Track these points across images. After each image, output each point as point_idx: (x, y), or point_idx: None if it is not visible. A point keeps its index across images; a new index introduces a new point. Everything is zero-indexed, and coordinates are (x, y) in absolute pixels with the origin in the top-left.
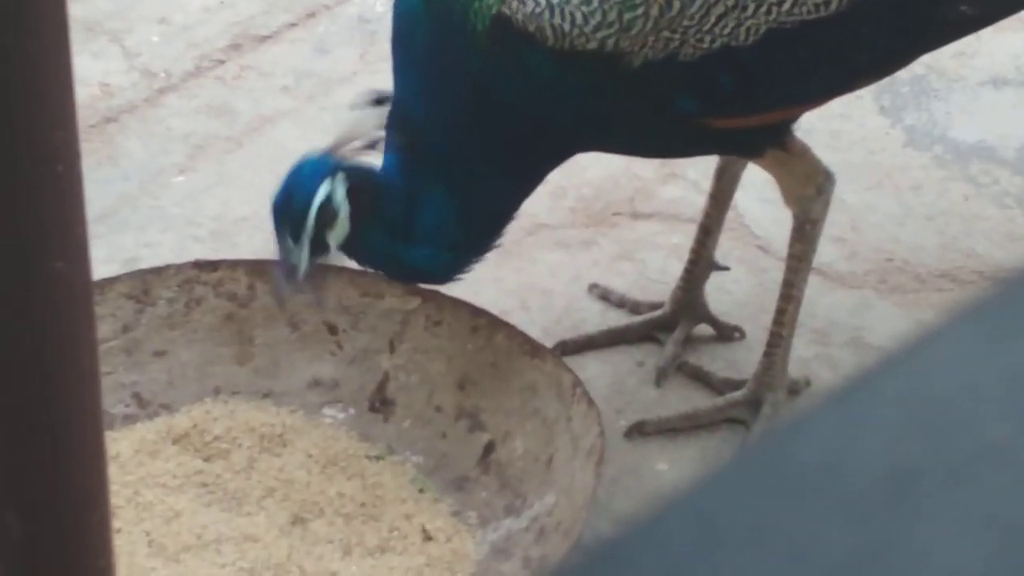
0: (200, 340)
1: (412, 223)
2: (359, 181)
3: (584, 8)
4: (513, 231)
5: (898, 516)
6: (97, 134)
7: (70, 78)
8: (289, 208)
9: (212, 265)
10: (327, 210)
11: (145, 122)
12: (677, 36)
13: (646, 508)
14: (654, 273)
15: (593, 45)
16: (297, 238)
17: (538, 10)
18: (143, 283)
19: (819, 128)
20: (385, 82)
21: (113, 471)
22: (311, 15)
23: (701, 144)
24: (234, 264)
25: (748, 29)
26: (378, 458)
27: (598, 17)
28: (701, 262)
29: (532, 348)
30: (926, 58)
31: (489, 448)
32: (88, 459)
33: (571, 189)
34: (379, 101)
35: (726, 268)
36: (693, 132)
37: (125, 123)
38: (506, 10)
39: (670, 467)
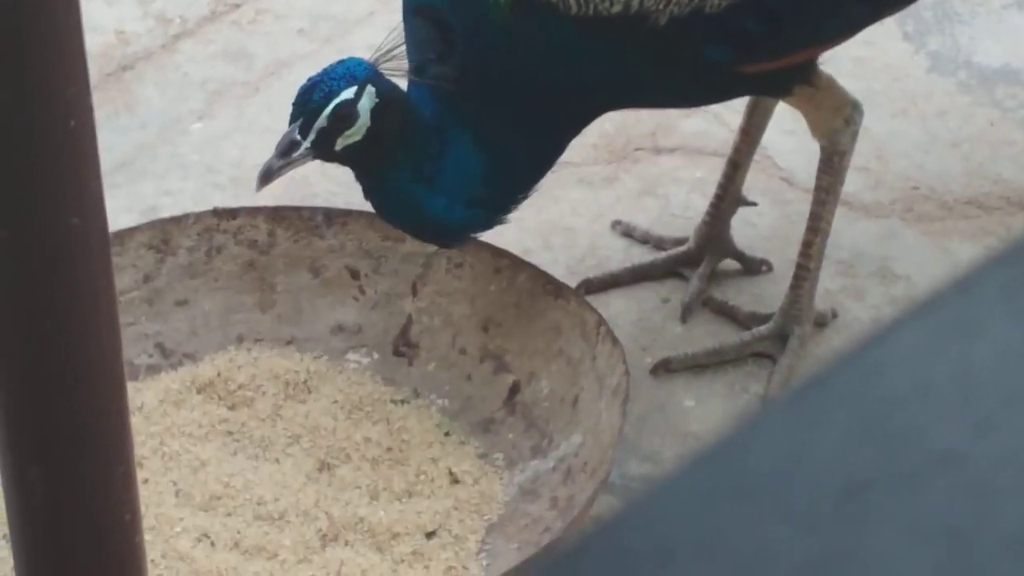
0: (222, 288)
1: (437, 165)
2: (392, 101)
3: None
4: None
5: (849, 525)
6: (114, 82)
7: (80, 32)
8: (311, 95)
9: (231, 213)
10: (346, 114)
11: (161, 69)
12: None
13: (590, 527)
14: (677, 208)
15: (618, 8)
16: (308, 126)
17: None
18: (163, 232)
19: (842, 56)
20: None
21: (138, 422)
22: None
23: (731, 90)
24: (254, 211)
25: None
26: (403, 402)
27: None
28: (728, 197)
29: (555, 288)
30: None
31: (514, 389)
32: (111, 412)
33: (592, 125)
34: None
35: (754, 204)
36: (723, 80)
37: (141, 70)
38: None
39: (697, 403)
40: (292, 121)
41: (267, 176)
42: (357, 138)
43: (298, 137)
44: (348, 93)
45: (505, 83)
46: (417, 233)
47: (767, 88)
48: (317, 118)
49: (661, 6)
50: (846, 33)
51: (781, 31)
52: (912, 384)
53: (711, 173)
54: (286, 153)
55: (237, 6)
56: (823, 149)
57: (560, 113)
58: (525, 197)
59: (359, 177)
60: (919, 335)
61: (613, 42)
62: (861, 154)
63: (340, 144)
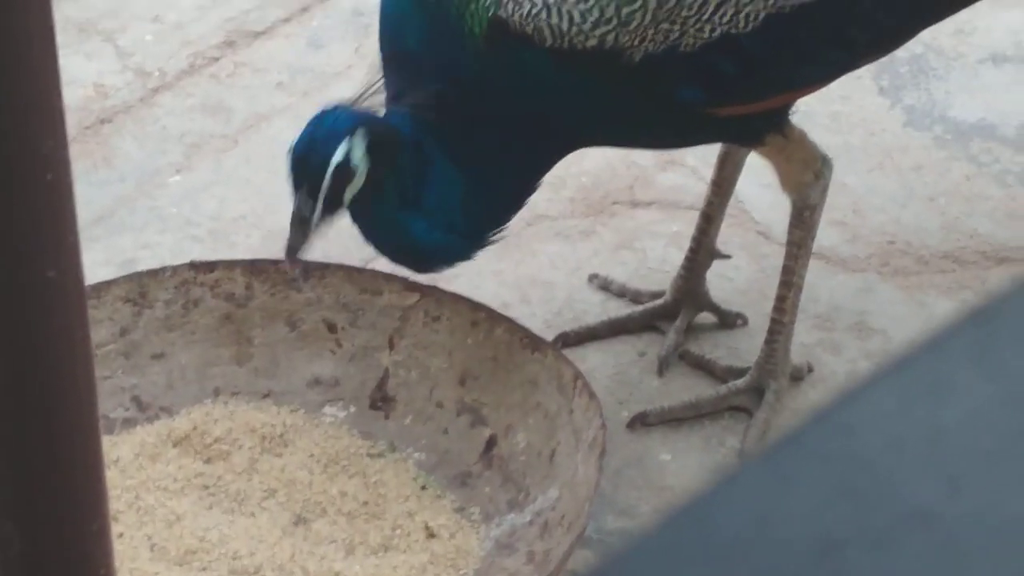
0: (199, 341)
1: (422, 187)
2: (380, 135)
3: (581, 6)
4: (512, 223)
5: None
6: (92, 135)
7: (58, 85)
8: (307, 163)
9: (209, 266)
10: (345, 169)
11: (140, 122)
12: (677, 27)
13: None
14: (654, 262)
15: (593, 42)
16: (313, 194)
17: (535, 11)
18: (140, 285)
19: (819, 110)
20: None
21: (113, 476)
22: (304, 9)
23: (704, 133)
24: (231, 264)
25: (747, 15)
26: (380, 456)
27: (596, 14)
28: (703, 250)
29: (532, 341)
30: (924, 36)
31: (491, 443)
32: (86, 466)
33: (570, 179)
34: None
35: (728, 256)
36: (696, 121)
37: (120, 124)
38: (502, 13)
39: (673, 457)
40: (295, 190)
41: (294, 254)
42: (360, 183)
43: (306, 212)
44: (340, 153)
45: (480, 115)
46: (397, 256)
47: (740, 135)
48: (320, 186)
49: (636, 43)
50: (821, 80)
51: (755, 74)
52: (885, 442)
53: (688, 227)
54: (303, 229)
55: (216, 59)
56: (793, 203)
57: (533, 146)
58: (501, 231)
59: (352, 202)
60: (892, 394)
61: (587, 76)
62: (838, 208)
63: (347, 197)
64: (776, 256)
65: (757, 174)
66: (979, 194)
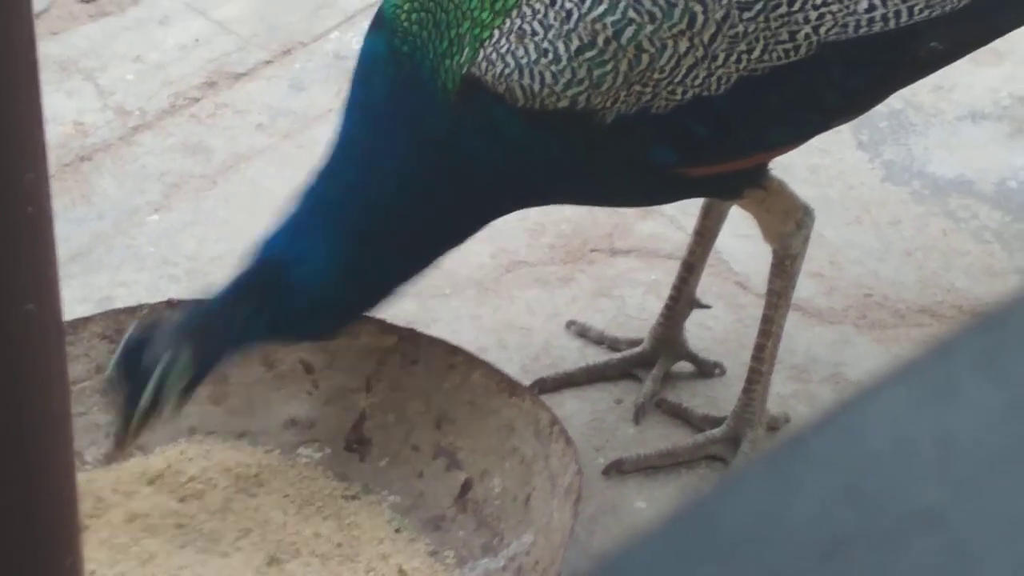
0: None
1: (289, 294)
2: (202, 327)
3: (553, 67)
4: (491, 268)
5: None
6: (71, 173)
7: (40, 119)
8: (126, 380)
9: (185, 304)
10: (167, 379)
11: (120, 161)
12: (648, 89)
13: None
14: (633, 309)
15: (564, 103)
16: (134, 399)
17: (508, 71)
18: (117, 323)
19: (798, 164)
20: None
21: (87, 512)
22: (287, 52)
23: (679, 191)
24: None
25: (719, 78)
26: (354, 498)
27: (568, 75)
28: (683, 299)
29: (509, 386)
30: (904, 93)
31: (466, 487)
32: (60, 502)
33: (549, 226)
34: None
35: (707, 306)
36: (670, 181)
37: (99, 162)
38: (475, 70)
39: (649, 505)
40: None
41: (121, 446)
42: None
43: (131, 408)
44: (157, 374)
45: (434, 169)
46: (291, 337)
47: (717, 191)
48: (140, 395)
49: (608, 104)
50: (794, 141)
51: (728, 135)
52: (891, 445)
53: (666, 275)
54: (126, 424)
55: (196, 100)
56: (775, 253)
57: (492, 202)
58: (401, 287)
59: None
60: (898, 398)
61: (558, 136)
62: (815, 260)
63: (171, 394)
64: (754, 306)
65: (735, 225)
66: (956, 249)
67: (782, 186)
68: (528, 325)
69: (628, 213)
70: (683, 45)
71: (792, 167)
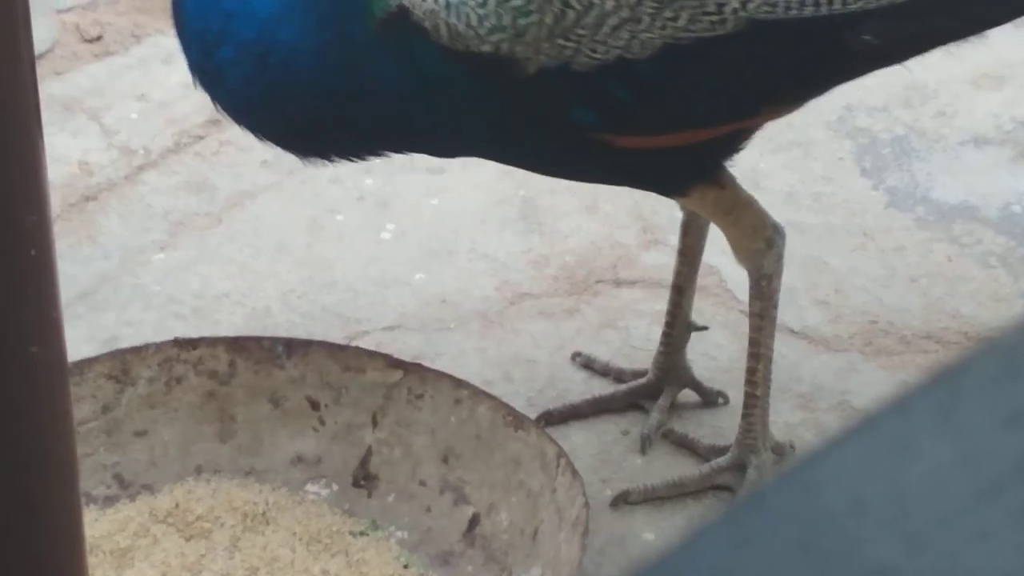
0: (181, 419)
1: None
2: None
3: (480, 11)
4: (495, 301)
5: None
6: (76, 213)
7: (42, 162)
8: None
9: (192, 343)
10: None
11: (125, 200)
12: (572, 44)
13: None
14: (638, 340)
15: (487, 48)
16: None
17: (435, 7)
18: (123, 363)
19: (801, 191)
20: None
21: (95, 553)
22: None
23: (609, 167)
24: (214, 341)
25: (643, 42)
26: (362, 534)
27: (492, 20)
28: (678, 324)
29: (515, 420)
30: (906, 118)
31: (474, 521)
32: (67, 543)
33: (553, 257)
34: None
35: (704, 328)
36: (596, 150)
37: (104, 201)
38: (406, 2)
39: (657, 536)
40: None
41: None
42: None
43: None
44: None
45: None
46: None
47: (656, 177)
48: None
49: (530, 54)
50: (722, 121)
51: (648, 104)
52: (847, 501)
53: None
54: None
55: (200, 138)
56: (750, 273)
57: (401, 130)
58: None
59: None
60: (855, 454)
61: (479, 81)
62: (820, 288)
63: None
64: None
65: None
66: (961, 275)
67: (751, 201)
68: (533, 357)
69: (632, 244)
70: (609, 4)
71: (795, 194)
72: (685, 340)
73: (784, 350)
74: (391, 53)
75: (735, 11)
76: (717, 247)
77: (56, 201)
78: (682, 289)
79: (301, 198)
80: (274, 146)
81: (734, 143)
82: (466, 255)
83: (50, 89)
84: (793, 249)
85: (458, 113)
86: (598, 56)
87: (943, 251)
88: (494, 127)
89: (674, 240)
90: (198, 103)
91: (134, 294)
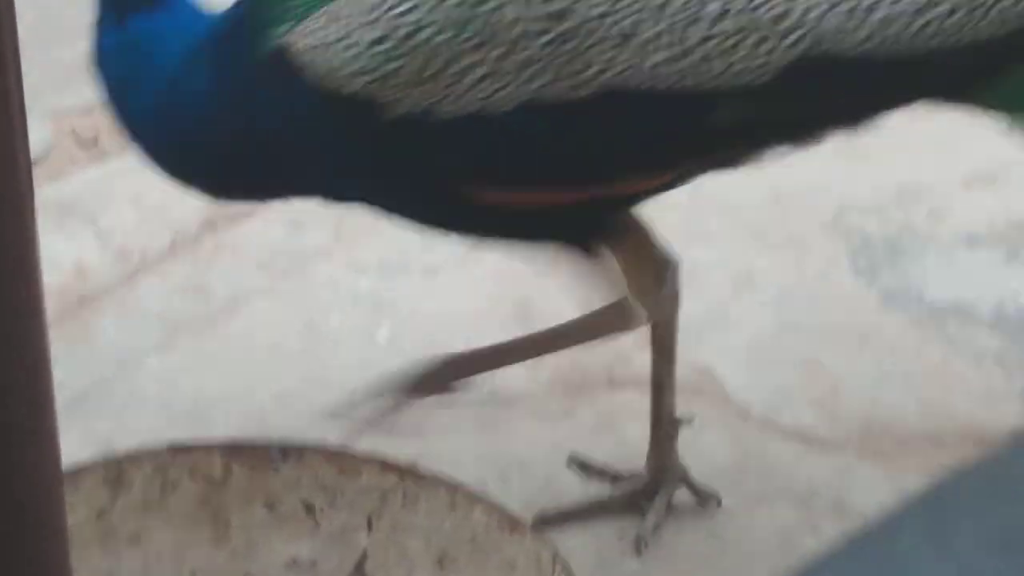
0: (176, 524)
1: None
2: None
3: (350, 52)
4: (490, 403)
5: None
6: (71, 317)
7: (37, 267)
8: None
9: (187, 448)
10: None
11: (120, 303)
12: (437, 93)
13: None
14: (634, 442)
15: (355, 89)
16: None
17: (310, 46)
18: (117, 468)
19: (795, 290)
20: (364, 255)
21: None
22: None
23: (483, 221)
24: (209, 446)
25: (504, 98)
26: None
27: (362, 62)
28: (663, 421)
29: (510, 523)
30: (899, 217)
31: None
32: None
33: (547, 359)
34: None
35: (689, 421)
36: (464, 203)
37: (100, 305)
38: (289, 39)
39: None
40: None
41: None
42: None
43: None
44: None
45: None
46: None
47: (533, 239)
48: None
49: (396, 98)
50: (585, 185)
51: (507, 159)
52: None
53: None
54: None
55: (196, 240)
56: (645, 316)
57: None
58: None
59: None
60: (848, 569)
61: (348, 122)
62: (815, 388)
63: None
64: (755, 436)
65: (734, 354)
66: (956, 375)
67: (647, 236)
68: (529, 460)
69: (626, 346)
70: (474, 57)
71: (790, 293)
72: (673, 437)
73: (779, 451)
74: (274, 93)
75: (593, 77)
76: (711, 346)
77: (51, 305)
78: (661, 385)
79: (295, 300)
80: (197, 191)
81: (611, 209)
82: None
83: (46, 193)
84: (787, 348)
85: (336, 155)
86: (460, 107)
87: (937, 350)
88: (366, 172)
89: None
90: (193, 205)
91: (129, 398)
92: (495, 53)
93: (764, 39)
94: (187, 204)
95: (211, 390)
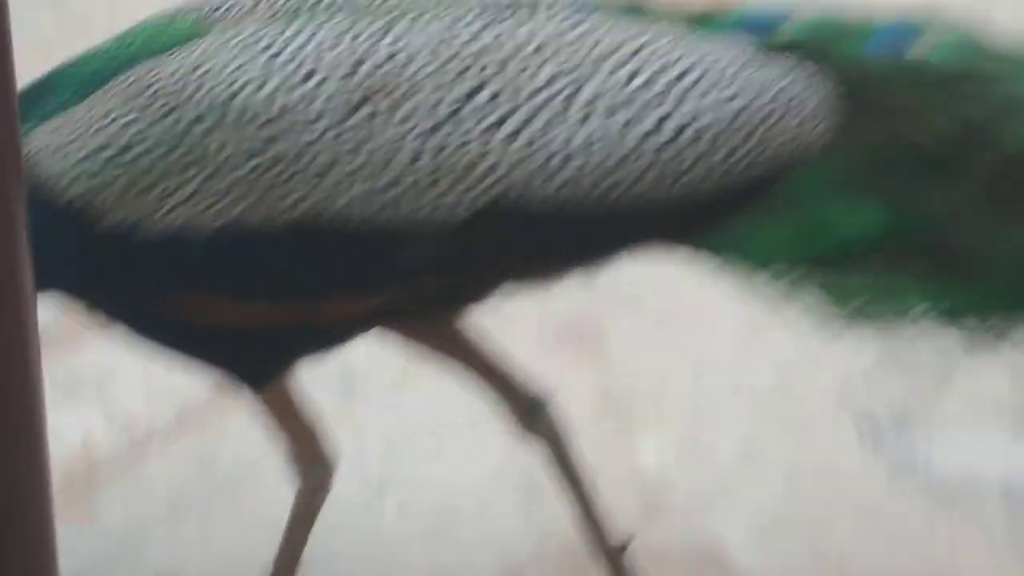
0: None
1: None
2: None
3: (69, 160)
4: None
5: None
6: (77, 492)
7: (45, 442)
8: None
9: None
10: None
11: (126, 478)
12: (148, 205)
13: None
14: None
15: (71, 195)
16: None
17: (36, 151)
18: None
19: (801, 463)
20: (364, 426)
21: None
22: None
23: (181, 336)
24: None
25: (202, 222)
26: None
27: (81, 168)
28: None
29: None
30: (900, 392)
31: None
32: None
33: (556, 532)
34: None
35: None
36: (165, 317)
37: (106, 479)
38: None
39: None
40: None
41: None
42: None
43: None
44: None
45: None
46: None
47: (218, 360)
48: None
49: (107, 209)
50: (288, 302)
51: (198, 279)
52: None
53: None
54: None
55: (203, 414)
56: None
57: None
58: None
59: None
60: None
61: (69, 229)
62: (824, 561)
63: None
64: None
65: (745, 521)
66: (965, 550)
67: (313, 426)
68: None
69: (634, 514)
70: (184, 176)
71: (795, 467)
72: None
73: None
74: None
75: (293, 206)
76: (718, 522)
77: (57, 479)
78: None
79: None
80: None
81: (319, 337)
82: (467, 531)
83: (53, 367)
84: (794, 521)
85: (63, 266)
86: (163, 224)
87: (945, 524)
88: (82, 276)
89: (680, 508)
90: (200, 378)
91: (135, 573)
92: (204, 173)
93: (457, 181)
94: (194, 378)
95: (216, 565)
